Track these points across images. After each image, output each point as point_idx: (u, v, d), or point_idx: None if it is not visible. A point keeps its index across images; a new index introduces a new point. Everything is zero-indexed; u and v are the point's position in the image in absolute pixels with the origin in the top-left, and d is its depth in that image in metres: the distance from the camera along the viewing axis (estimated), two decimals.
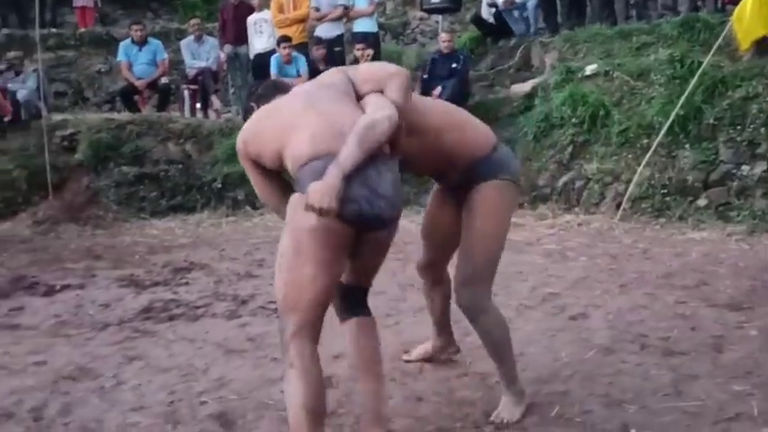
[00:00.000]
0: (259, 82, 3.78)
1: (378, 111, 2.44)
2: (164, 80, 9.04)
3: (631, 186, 6.76)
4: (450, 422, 2.93)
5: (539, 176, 7.41)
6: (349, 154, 2.29)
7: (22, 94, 8.59)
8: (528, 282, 4.97)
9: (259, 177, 2.67)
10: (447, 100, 7.83)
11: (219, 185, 7.83)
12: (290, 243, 2.38)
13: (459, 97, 8.08)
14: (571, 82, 7.80)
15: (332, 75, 2.73)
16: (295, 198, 2.39)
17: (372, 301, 4.53)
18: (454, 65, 8.29)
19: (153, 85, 8.99)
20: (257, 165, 2.63)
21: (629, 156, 7.05)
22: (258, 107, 2.74)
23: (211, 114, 9.09)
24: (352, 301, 2.81)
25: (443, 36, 8.56)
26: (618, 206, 6.81)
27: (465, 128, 2.87)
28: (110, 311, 4.67)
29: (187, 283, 5.31)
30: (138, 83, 8.91)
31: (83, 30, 12.15)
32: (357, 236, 2.41)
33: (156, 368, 3.67)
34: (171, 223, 7.63)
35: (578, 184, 7.16)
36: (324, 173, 2.28)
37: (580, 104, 7.43)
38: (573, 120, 7.40)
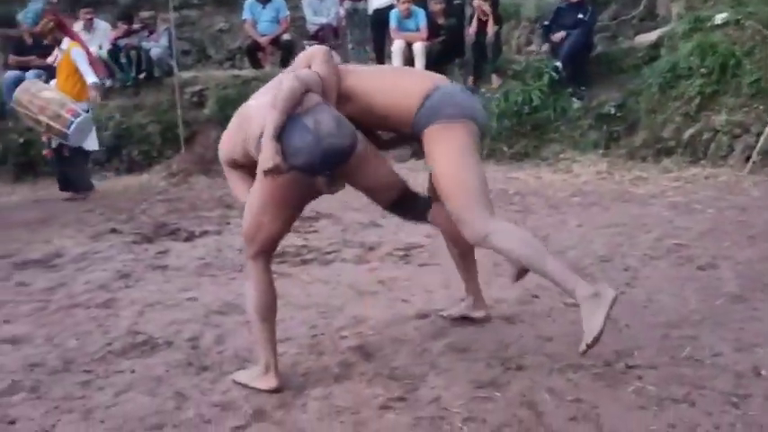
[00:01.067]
0: None
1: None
2: (286, 36, 9.31)
3: (762, 139, 6.56)
4: (579, 360, 3.03)
5: (663, 129, 7.27)
6: (269, 119, 2.65)
7: (155, 53, 9.07)
8: (652, 233, 4.96)
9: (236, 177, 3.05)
10: (570, 50, 7.86)
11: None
12: (258, 191, 2.83)
13: (584, 48, 7.98)
14: (699, 31, 7.54)
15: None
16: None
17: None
18: (580, 15, 8.15)
19: (276, 41, 9.28)
20: (235, 166, 3.03)
21: (760, 107, 6.82)
22: None
23: None
24: (412, 211, 3.31)
25: None
26: (747, 159, 6.63)
27: (392, 89, 3.01)
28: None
29: (316, 231, 5.58)
30: (261, 39, 9.23)
31: None
32: (333, 176, 2.80)
33: (296, 306, 3.93)
34: None
35: (705, 136, 6.98)
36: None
37: (709, 54, 7.20)
38: (701, 70, 7.18)
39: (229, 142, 3.02)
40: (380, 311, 3.79)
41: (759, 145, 6.54)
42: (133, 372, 3.16)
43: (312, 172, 2.70)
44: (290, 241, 5.27)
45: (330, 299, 4.03)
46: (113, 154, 8.72)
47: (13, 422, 2.75)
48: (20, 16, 7.60)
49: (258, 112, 2.81)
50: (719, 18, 7.53)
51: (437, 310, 3.74)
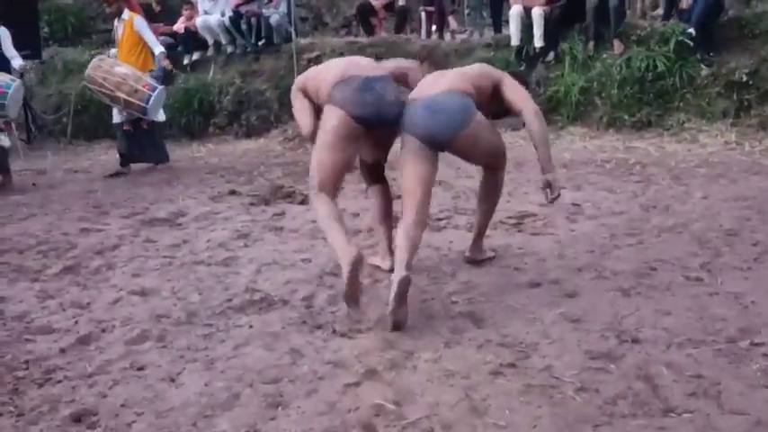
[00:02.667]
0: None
1: None
2: (401, 2, 9.29)
3: None
4: (701, 335, 2.93)
5: None
6: None
7: (274, 19, 9.26)
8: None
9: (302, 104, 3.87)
10: (700, 14, 7.47)
11: None
12: (319, 137, 3.61)
13: (713, 13, 7.57)
14: None
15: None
16: (326, 108, 3.58)
17: (612, 220, 4.57)
18: None
19: (390, 7, 9.28)
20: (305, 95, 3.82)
21: None
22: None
23: (447, 36, 9.24)
24: (375, 173, 4.11)
25: None
26: None
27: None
28: (359, 220, 5.06)
29: None
30: (375, 3, 9.25)
31: None
32: (367, 131, 3.58)
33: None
34: None
35: None
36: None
37: None
38: None
39: (312, 76, 3.78)
40: (492, 279, 3.78)
41: None
42: (251, 327, 3.30)
43: (359, 123, 3.55)
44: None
45: (441, 264, 4.05)
46: (233, 118, 9.03)
47: (141, 368, 2.93)
48: None
49: (346, 66, 3.64)
50: None
51: (551, 279, 3.69)
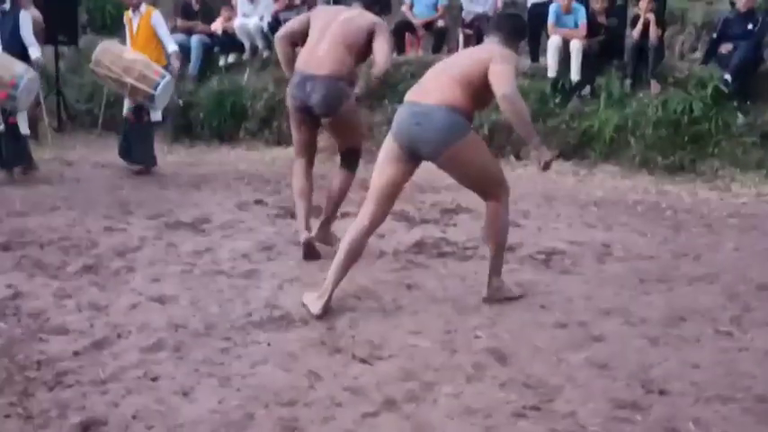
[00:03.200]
0: None
1: None
2: (440, 23, 9.26)
3: None
4: (729, 391, 2.86)
5: None
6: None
7: None
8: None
9: None
10: (738, 63, 7.38)
11: (486, 132, 7.93)
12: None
13: (752, 62, 7.49)
14: None
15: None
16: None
17: (642, 264, 4.48)
18: (750, 26, 7.64)
19: (429, 26, 9.26)
20: None
21: None
22: None
23: None
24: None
25: None
26: None
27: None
28: (385, 242, 4.99)
29: (455, 225, 5.53)
30: (415, 21, 9.24)
31: None
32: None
33: (432, 298, 3.92)
34: None
35: None
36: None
37: None
38: None
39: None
40: (517, 315, 3.72)
41: None
42: (269, 345, 3.25)
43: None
44: (429, 232, 5.26)
45: (466, 295, 3.99)
46: (264, 125, 9.01)
47: (155, 379, 2.88)
48: None
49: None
50: None
51: (577, 321, 3.62)
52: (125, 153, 7.26)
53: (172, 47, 7.14)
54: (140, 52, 6.95)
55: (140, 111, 7.05)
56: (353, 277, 4.20)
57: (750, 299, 3.99)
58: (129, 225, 5.21)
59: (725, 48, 7.72)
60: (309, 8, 9.38)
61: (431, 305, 3.81)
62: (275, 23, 9.28)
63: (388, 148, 3.73)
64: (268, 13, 9.47)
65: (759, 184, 6.93)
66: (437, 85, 3.63)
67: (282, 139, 8.81)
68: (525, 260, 4.67)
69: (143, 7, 7.12)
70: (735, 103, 7.52)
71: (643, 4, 7.99)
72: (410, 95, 3.71)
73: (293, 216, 5.61)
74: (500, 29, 3.79)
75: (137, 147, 7.19)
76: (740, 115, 7.47)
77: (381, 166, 3.74)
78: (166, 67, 7.01)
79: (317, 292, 3.69)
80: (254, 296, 3.86)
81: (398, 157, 3.69)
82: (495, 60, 3.57)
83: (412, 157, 3.69)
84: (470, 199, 6.30)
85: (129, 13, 7.20)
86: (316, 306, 3.62)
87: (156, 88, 6.72)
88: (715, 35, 8.01)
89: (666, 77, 7.98)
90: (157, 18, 7.13)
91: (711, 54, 8.07)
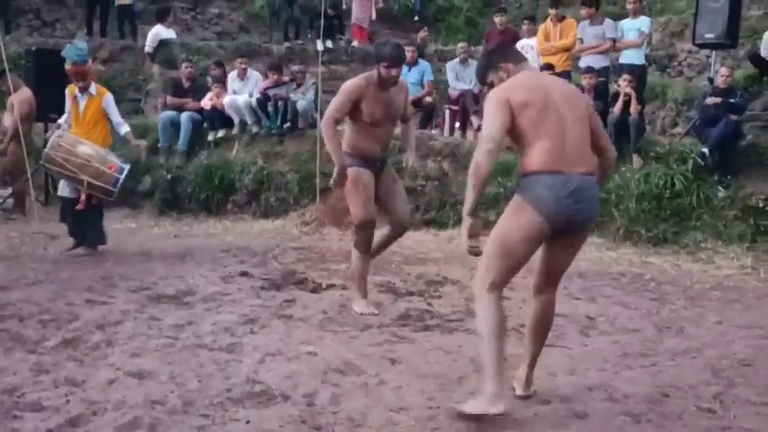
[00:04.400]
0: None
1: None
2: (428, 99, 9.46)
3: None
4: None
5: None
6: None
7: (300, 105, 9.42)
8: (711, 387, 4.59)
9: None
10: (718, 138, 7.54)
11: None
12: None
13: (733, 136, 7.64)
14: None
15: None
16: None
17: (626, 338, 4.48)
18: (731, 100, 7.84)
19: (418, 103, 9.44)
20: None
21: None
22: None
23: (469, 134, 9.36)
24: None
25: (722, 71, 8.11)
26: None
27: (530, 144, 3.19)
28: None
29: (440, 297, 5.53)
30: None
31: (354, 45, 13.02)
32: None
33: (415, 373, 3.88)
34: (424, 236, 7.97)
35: None
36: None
37: None
38: None
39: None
40: None
41: None
42: (248, 422, 3.19)
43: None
44: (415, 305, 5.25)
45: (450, 370, 3.95)
46: (252, 198, 9.07)
47: None
48: (65, 51, 6.74)
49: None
50: None
51: (561, 396, 3.58)
52: (75, 235, 6.90)
53: (124, 129, 6.94)
54: (89, 134, 6.70)
55: (90, 195, 6.67)
56: (338, 351, 4.19)
57: (733, 375, 3.97)
58: (111, 298, 5.18)
59: (711, 100, 7.85)
60: (298, 86, 9.60)
61: (414, 380, 3.77)
62: (264, 99, 9.48)
63: (530, 225, 3.15)
64: (257, 89, 9.65)
65: (741, 256, 6.98)
66: (577, 143, 3.20)
67: (270, 212, 8.88)
68: (510, 333, 4.63)
69: (93, 88, 6.79)
70: (715, 177, 7.65)
71: (623, 82, 8.20)
72: (552, 162, 3.14)
73: (278, 288, 5.63)
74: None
75: (90, 229, 6.85)
76: (721, 189, 7.59)
77: (519, 243, 3.17)
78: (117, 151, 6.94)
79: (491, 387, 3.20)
80: (234, 371, 3.81)
81: (543, 235, 3.20)
82: (591, 106, 3.51)
83: (556, 233, 3.23)
84: (456, 271, 6.38)
85: (74, 89, 6.80)
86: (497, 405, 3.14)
87: (115, 185, 6.58)
88: (696, 120, 8.19)
89: (648, 152, 8.12)
90: (109, 101, 6.84)
91: (692, 127, 8.25)
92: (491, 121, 3.18)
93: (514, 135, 3.22)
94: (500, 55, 3.49)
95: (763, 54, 9.21)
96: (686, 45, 11.63)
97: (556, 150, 3.17)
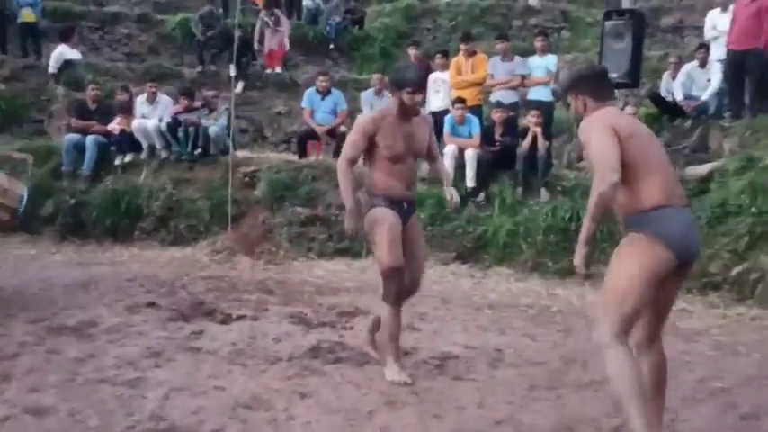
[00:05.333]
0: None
1: None
2: (342, 128, 9.49)
3: None
4: None
5: (710, 263, 7.11)
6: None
7: (212, 131, 9.29)
8: (695, 373, 4.79)
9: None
10: None
11: None
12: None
13: None
14: (752, 170, 7.48)
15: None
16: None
17: (533, 370, 4.57)
18: None
19: (332, 132, 9.47)
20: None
21: None
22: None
23: None
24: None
25: (628, 109, 8.50)
26: None
27: (639, 178, 3.08)
28: (280, 346, 4.93)
29: (352, 328, 5.52)
30: (318, 129, 9.43)
31: (268, 72, 12.97)
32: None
33: (325, 408, 3.85)
34: (337, 266, 7.95)
35: (753, 276, 6.80)
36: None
37: (760, 195, 7.12)
38: (752, 209, 7.08)
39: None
40: (410, 425, 3.68)
41: None
42: None
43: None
44: (326, 336, 5.22)
45: (360, 404, 3.94)
46: (161, 224, 8.84)
47: None
48: None
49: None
50: None
51: (470, 431, 3.62)
52: None
53: None
54: None
55: None
56: (246, 385, 4.11)
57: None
58: (7, 330, 4.94)
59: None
60: (210, 111, 9.48)
61: (324, 415, 3.74)
62: (174, 124, 9.31)
63: (659, 263, 3.03)
64: (167, 114, 9.47)
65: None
66: (674, 175, 3.24)
67: (179, 240, 8.68)
68: (420, 365, 4.68)
69: None
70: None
71: (532, 118, 8.45)
72: (670, 196, 3.09)
73: (186, 319, 5.50)
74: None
75: None
76: None
77: (647, 284, 3.03)
78: None
79: None
80: (138, 406, 3.69)
81: (668, 272, 3.08)
82: None
83: (678, 269, 3.14)
84: (368, 301, 6.38)
85: None
86: None
87: (21, 202, 6.29)
88: None
89: (555, 186, 8.38)
90: None
91: None
92: (607, 149, 3.03)
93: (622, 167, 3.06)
94: (584, 85, 3.35)
95: (662, 94, 9.69)
96: None
97: (669, 183, 3.13)
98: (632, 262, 3.06)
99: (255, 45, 12.65)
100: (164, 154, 9.42)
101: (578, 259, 3.27)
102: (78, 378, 4.08)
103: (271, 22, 12.60)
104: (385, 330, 4.39)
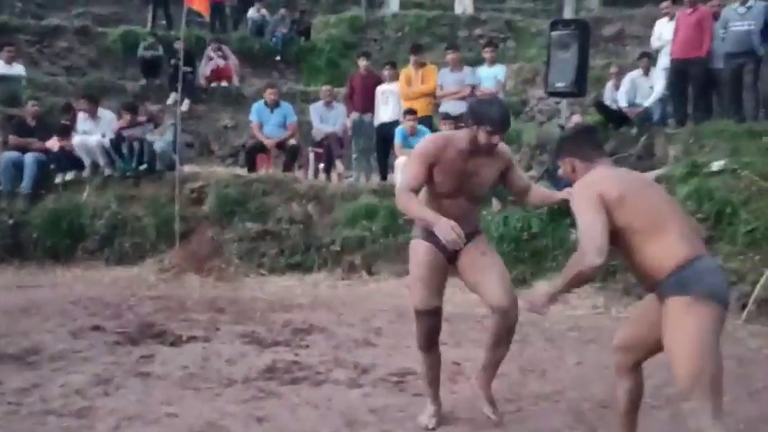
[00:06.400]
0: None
1: None
2: (292, 141, 9.39)
3: (757, 288, 6.49)
4: None
5: None
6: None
7: (158, 146, 9.06)
8: (653, 379, 4.77)
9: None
10: (568, 182, 7.90)
11: (338, 248, 7.97)
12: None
13: None
14: (696, 176, 7.62)
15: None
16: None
17: (493, 384, 4.52)
18: None
19: (281, 145, 9.35)
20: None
21: (756, 257, 6.77)
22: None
23: (334, 177, 9.37)
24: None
25: (575, 118, 8.61)
26: (743, 307, 6.54)
27: (650, 240, 2.88)
28: (235, 368, 4.80)
29: (307, 346, 5.41)
30: (267, 142, 9.30)
31: (214, 85, 12.78)
32: None
33: None
34: (289, 281, 7.81)
35: None
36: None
37: (705, 200, 7.25)
38: (698, 215, 7.19)
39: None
40: None
41: (755, 294, 6.47)
42: None
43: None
44: (281, 356, 5.11)
45: (319, 426, 3.85)
46: (105, 243, 8.57)
47: None
48: None
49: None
50: (716, 165, 7.61)
51: None
52: None
53: None
54: None
55: None
56: (201, 411, 3.98)
57: (593, 418, 4.09)
58: None
59: (560, 171, 8.26)
60: (156, 126, 9.26)
61: None
62: (118, 140, 9.07)
63: (717, 321, 2.82)
64: (110, 130, 9.22)
65: (593, 296, 7.31)
66: (690, 225, 3.08)
67: (125, 259, 8.43)
68: (378, 383, 4.61)
69: None
70: (568, 220, 8.00)
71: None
72: (691, 247, 2.88)
73: (134, 343, 5.33)
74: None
75: None
76: (573, 231, 7.94)
77: (716, 345, 2.81)
78: None
79: None
80: None
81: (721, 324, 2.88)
82: None
83: None
84: (323, 317, 6.29)
85: None
86: None
87: None
88: (549, 167, 8.59)
89: (507, 195, 8.39)
90: None
91: (545, 172, 8.63)
92: (592, 226, 2.86)
93: (623, 234, 2.92)
94: (569, 146, 3.26)
95: (606, 102, 9.83)
96: (537, 92, 12.21)
97: (685, 231, 2.91)
98: (691, 333, 2.77)
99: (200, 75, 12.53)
100: (107, 171, 9.15)
101: (540, 301, 3.13)
102: (22, 410, 3.90)
103: (216, 57, 12.45)
104: (420, 373, 4.12)
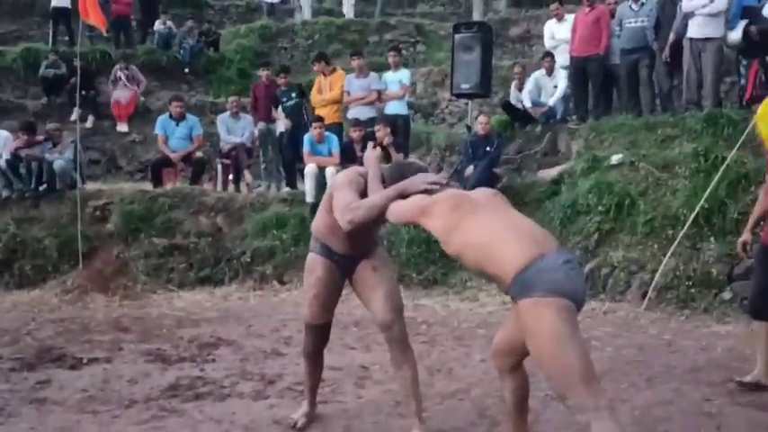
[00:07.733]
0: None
1: None
2: (198, 154, 9.25)
3: (657, 276, 6.73)
4: None
5: None
6: None
7: (58, 165, 8.78)
8: None
9: None
10: (476, 181, 8.03)
11: (248, 259, 7.91)
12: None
13: (489, 180, 8.19)
14: (597, 170, 7.87)
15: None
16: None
17: (394, 386, 4.55)
18: (488, 148, 8.45)
19: (187, 158, 9.20)
20: None
21: (655, 246, 7.05)
22: None
23: (243, 188, 9.27)
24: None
25: (481, 118, 8.73)
26: (644, 295, 6.77)
27: (491, 245, 2.92)
28: (136, 387, 4.69)
29: (214, 360, 5.33)
30: (173, 155, 9.14)
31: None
32: None
33: None
34: (198, 295, 7.69)
35: (604, 271, 7.14)
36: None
37: (606, 193, 7.49)
38: (599, 207, 7.44)
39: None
40: None
41: (654, 282, 6.72)
42: None
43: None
44: (186, 372, 5.01)
45: None
46: (4, 268, 8.25)
47: None
48: None
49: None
50: (615, 159, 7.89)
51: None
52: None
53: None
54: None
55: None
56: None
57: (497, 413, 4.14)
58: None
59: (468, 171, 8.38)
60: (54, 145, 8.96)
61: None
62: (15, 161, 8.75)
63: (572, 316, 2.81)
64: (6, 150, 8.90)
65: (501, 293, 7.43)
66: (536, 229, 3.06)
67: (25, 282, 8.12)
68: (285, 393, 4.57)
69: None
70: None
71: (380, 133, 8.40)
72: (533, 252, 2.85)
73: (31, 368, 5.15)
74: None
75: None
76: None
77: (574, 339, 2.77)
78: None
79: None
80: None
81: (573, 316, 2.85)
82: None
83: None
84: (231, 330, 6.21)
85: None
86: None
87: None
88: (462, 158, 8.71)
89: None
90: None
91: (455, 173, 8.75)
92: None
93: (465, 252, 3.00)
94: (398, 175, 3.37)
95: (512, 102, 10.04)
96: (446, 94, 12.34)
97: (523, 240, 2.91)
98: (556, 336, 2.75)
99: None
100: (5, 193, 8.81)
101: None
102: None
103: (123, 76, 12.14)
104: (303, 380, 4.14)
